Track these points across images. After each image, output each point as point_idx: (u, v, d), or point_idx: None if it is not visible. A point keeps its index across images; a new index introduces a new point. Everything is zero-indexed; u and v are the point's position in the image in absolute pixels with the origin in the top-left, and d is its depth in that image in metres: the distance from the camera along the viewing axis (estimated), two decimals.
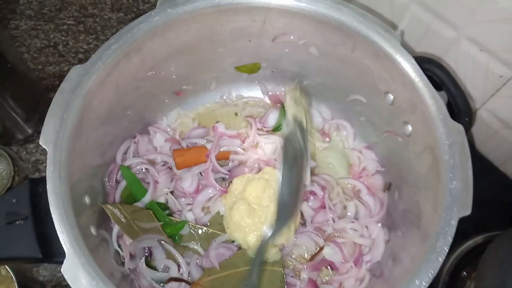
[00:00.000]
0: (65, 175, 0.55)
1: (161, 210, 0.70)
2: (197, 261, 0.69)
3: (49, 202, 0.52)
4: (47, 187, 0.53)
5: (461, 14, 0.69)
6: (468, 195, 0.54)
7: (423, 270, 0.50)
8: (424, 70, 0.62)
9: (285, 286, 0.68)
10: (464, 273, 0.68)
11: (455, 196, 0.53)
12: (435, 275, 0.50)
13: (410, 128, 0.65)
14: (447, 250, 0.51)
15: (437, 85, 0.64)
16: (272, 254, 0.69)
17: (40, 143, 0.56)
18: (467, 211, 0.53)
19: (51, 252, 0.54)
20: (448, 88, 0.65)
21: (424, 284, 0.49)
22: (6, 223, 0.55)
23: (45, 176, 0.54)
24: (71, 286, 0.50)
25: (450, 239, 0.51)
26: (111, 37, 0.62)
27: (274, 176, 0.74)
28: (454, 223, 0.52)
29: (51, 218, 0.52)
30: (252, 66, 0.82)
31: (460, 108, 0.64)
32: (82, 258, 0.50)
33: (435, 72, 0.65)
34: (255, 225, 0.70)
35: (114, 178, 0.72)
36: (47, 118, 0.57)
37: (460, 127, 0.58)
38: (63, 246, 0.51)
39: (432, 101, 0.59)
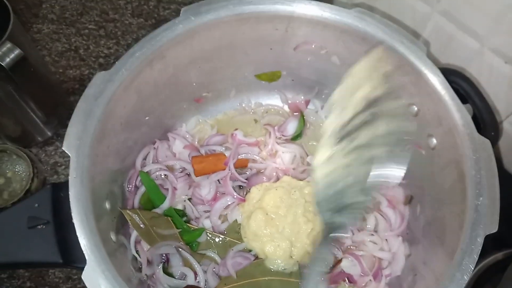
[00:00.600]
0: (87, 181, 0.55)
1: (179, 217, 0.70)
2: (214, 269, 0.69)
3: (71, 208, 0.52)
4: (69, 193, 0.53)
5: (485, 24, 0.68)
6: (495, 212, 0.52)
7: None
8: (449, 82, 0.61)
9: None
10: None
11: (481, 213, 0.52)
12: None
13: (434, 141, 0.64)
14: (473, 268, 0.49)
15: (462, 97, 0.63)
16: (289, 264, 0.68)
17: (63, 148, 0.56)
18: (494, 229, 0.52)
19: (72, 257, 0.54)
20: (473, 101, 0.64)
21: None
22: (28, 227, 0.55)
23: (67, 181, 0.55)
24: None
25: (475, 257, 0.50)
26: (135, 44, 0.62)
27: (292, 185, 0.73)
28: (480, 240, 0.51)
29: (72, 224, 0.52)
30: (272, 74, 0.82)
31: (486, 122, 0.63)
32: (103, 265, 0.50)
33: (461, 84, 0.64)
34: (272, 235, 0.69)
35: (134, 184, 0.72)
36: (70, 124, 0.57)
37: (487, 142, 0.57)
38: (84, 252, 0.51)
39: (459, 115, 0.58)
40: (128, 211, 0.65)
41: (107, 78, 0.60)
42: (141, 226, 0.65)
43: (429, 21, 0.77)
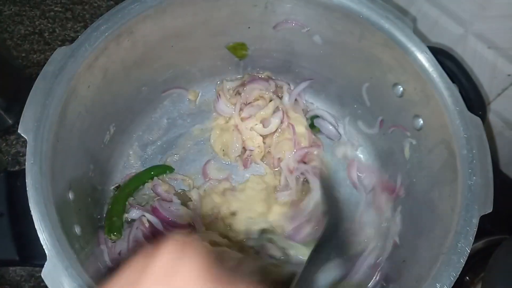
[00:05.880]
0: (46, 168, 0.49)
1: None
2: None
3: (29, 197, 0.47)
4: (26, 181, 0.48)
5: (470, 9, 0.66)
6: (489, 191, 0.50)
7: (444, 273, 0.46)
8: None
9: None
10: (467, 278, 0.66)
11: (475, 193, 0.50)
12: (457, 278, 0.46)
13: (421, 121, 0.61)
14: (469, 251, 0.47)
15: (448, 77, 0.60)
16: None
17: (19, 131, 0.50)
18: (488, 209, 0.49)
19: (30, 254, 0.49)
20: (460, 80, 0.62)
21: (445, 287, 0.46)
22: None
23: (24, 169, 0.49)
24: None
25: (471, 239, 0.48)
26: (101, 17, 0.57)
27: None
28: (475, 221, 0.49)
29: (30, 216, 0.47)
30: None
31: (473, 102, 0.61)
32: (66, 261, 0.45)
33: (446, 63, 0.62)
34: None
35: None
36: (27, 104, 0.52)
37: (478, 120, 0.54)
38: (44, 247, 0.45)
39: (448, 93, 0.55)
40: None
41: (69, 53, 0.54)
42: None
43: (413, 5, 0.74)
